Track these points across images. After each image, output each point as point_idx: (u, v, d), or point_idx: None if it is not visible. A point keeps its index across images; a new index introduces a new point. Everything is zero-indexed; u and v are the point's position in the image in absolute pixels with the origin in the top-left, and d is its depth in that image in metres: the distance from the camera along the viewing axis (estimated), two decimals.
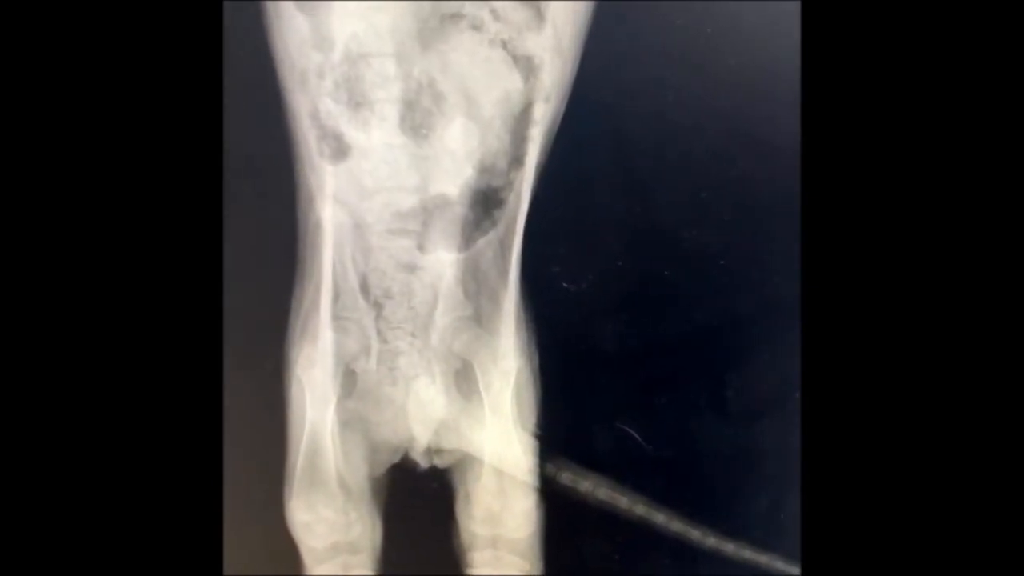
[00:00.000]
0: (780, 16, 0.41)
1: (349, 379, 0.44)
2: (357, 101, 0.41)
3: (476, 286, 0.44)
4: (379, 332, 0.44)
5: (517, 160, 0.42)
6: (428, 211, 0.43)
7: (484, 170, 0.43)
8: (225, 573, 0.42)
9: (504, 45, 0.41)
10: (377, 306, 0.44)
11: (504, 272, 0.43)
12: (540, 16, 0.41)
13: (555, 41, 0.41)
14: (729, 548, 0.45)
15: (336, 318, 0.43)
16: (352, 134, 0.42)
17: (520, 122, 0.42)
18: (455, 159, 0.42)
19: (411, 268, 0.43)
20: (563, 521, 0.45)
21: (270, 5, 0.41)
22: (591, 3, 0.41)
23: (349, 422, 0.45)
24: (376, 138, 0.42)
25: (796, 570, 0.44)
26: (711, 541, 0.45)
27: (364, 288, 0.44)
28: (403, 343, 0.44)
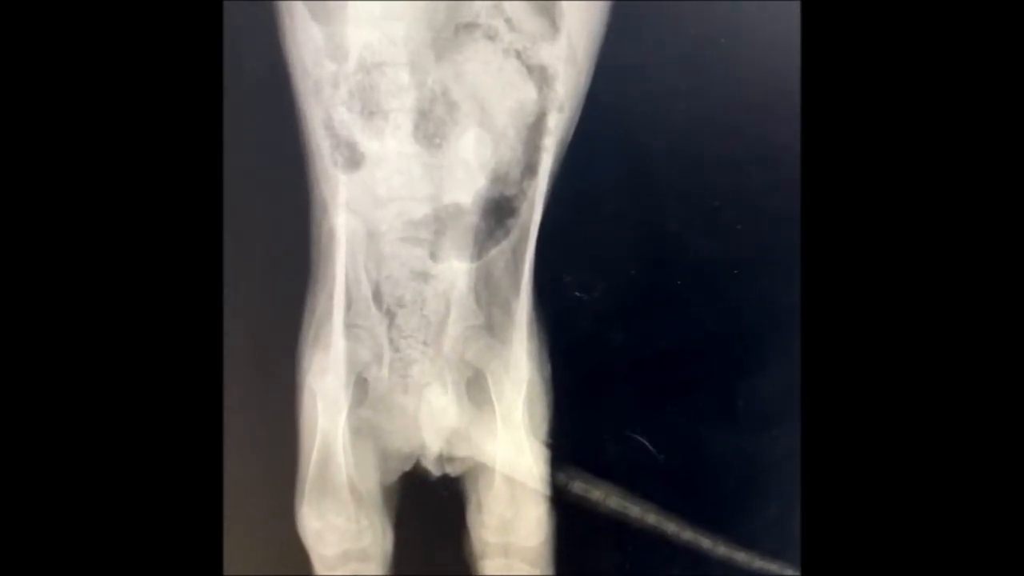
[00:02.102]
0: (793, 25, 0.41)
1: (361, 387, 0.44)
2: (371, 110, 0.41)
3: (488, 295, 0.44)
4: (391, 340, 0.44)
5: (530, 170, 0.42)
6: (441, 220, 0.43)
7: (497, 179, 0.43)
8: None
9: (518, 55, 0.41)
10: (389, 314, 0.44)
11: (516, 281, 0.43)
12: (555, 26, 0.41)
13: (569, 51, 0.41)
14: (740, 557, 0.45)
15: (348, 326, 0.43)
16: (366, 143, 0.42)
17: (534, 132, 0.42)
18: (468, 169, 0.42)
19: (424, 277, 0.43)
20: (574, 530, 0.45)
21: (285, 15, 0.41)
22: (605, 14, 0.41)
23: (361, 430, 0.44)
24: (390, 147, 0.42)
25: None
26: (722, 550, 0.45)
27: (376, 296, 0.44)
28: (415, 352, 0.44)
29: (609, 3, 0.41)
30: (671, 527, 0.44)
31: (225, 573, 0.40)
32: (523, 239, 0.43)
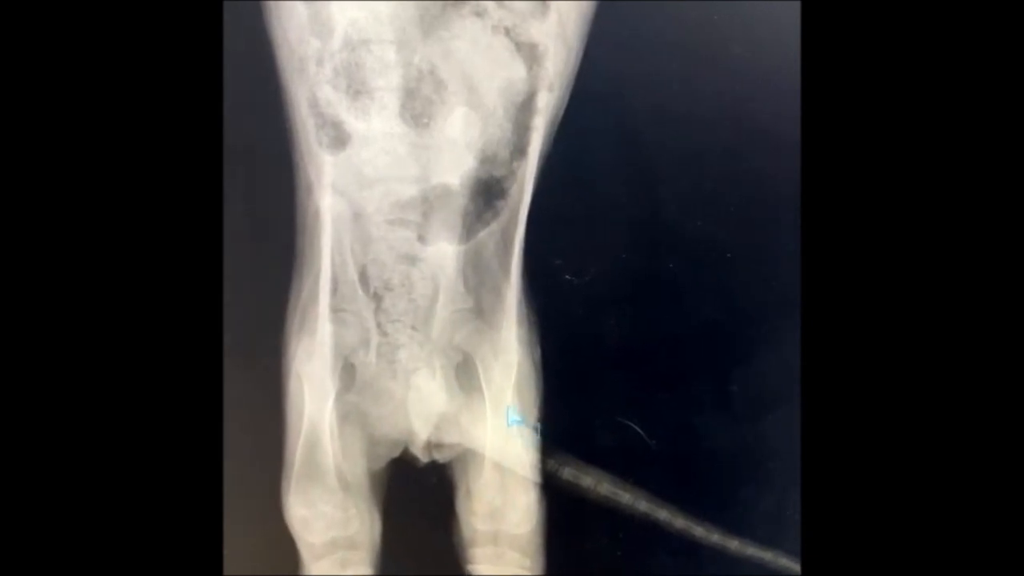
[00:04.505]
0: (785, 8, 0.41)
1: (348, 372, 0.44)
2: (357, 89, 0.41)
3: (477, 278, 0.43)
4: (379, 325, 0.43)
5: (520, 150, 0.42)
6: (429, 201, 0.42)
7: (486, 160, 0.42)
8: (224, 571, 0.41)
9: (507, 32, 0.41)
10: (377, 298, 0.43)
11: (506, 264, 0.43)
12: (544, 4, 0.40)
13: (559, 29, 0.41)
14: (733, 545, 0.44)
15: (335, 310, 0.43)
16: (351, 123, 0.41)
17: (523, 111, 0.41)
18: (456, 148, 0.42)
19: (411, 260, 0.43)
20: (565, 517, 0.44)
21: None
22: None
23: (348, 416, 0.44)
24: (376, 127, 0.41)
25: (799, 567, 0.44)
26: (714, 537, 0.44)
27: (363, 280, 0.43)
28: (403, 336, 0.43)
29: None
30: (663, 514, 0.44)
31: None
32: (513, 221, 0.42)
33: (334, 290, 0.43)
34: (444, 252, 0.43)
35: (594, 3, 0.41)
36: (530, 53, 0.41)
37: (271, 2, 0.40)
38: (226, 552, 0.42)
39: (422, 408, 0.44)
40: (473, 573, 0.45)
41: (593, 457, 0.44)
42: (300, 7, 0.40)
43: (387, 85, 0.41)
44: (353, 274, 0.43)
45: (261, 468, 0.44)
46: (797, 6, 0.37)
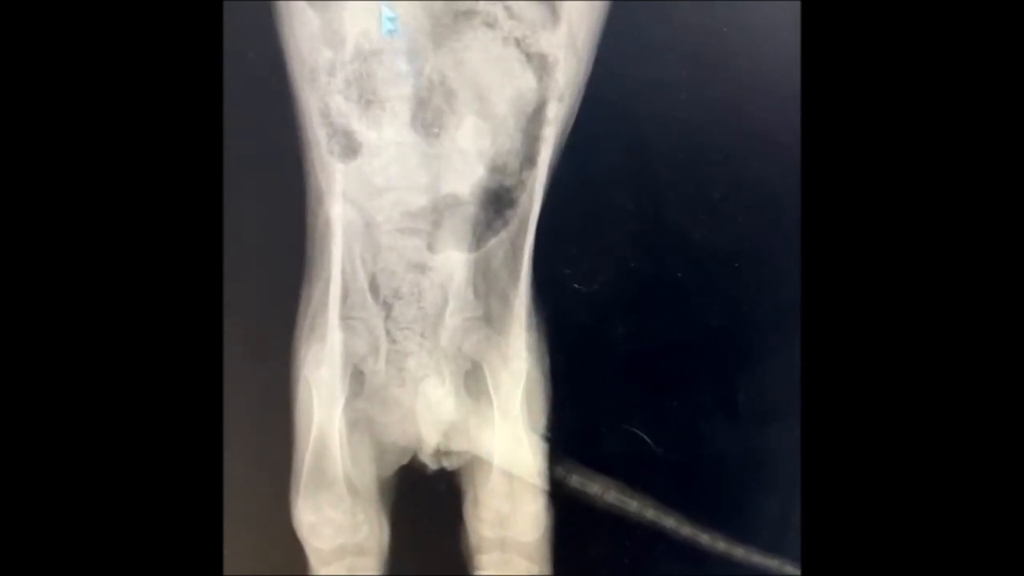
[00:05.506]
0: (794, 15, 0.41)
1: (357, 380, 0.44)
2: (368, 99, 0.41)
3: (487, 286, 0.43)
4: (388, 332, 0.43)
5: (529, 160, 0.42)
6: (439, 210, 0.42)
7: (496, 169, 0.42)
8: (227, 574, 0.41)
9: (518, 43, 0.41)
10: (386, 306, 0.43)
11: (515, 273, 0.43)
12: (555, 14, 0.41)
13: (570, 39, 0.41)
14: (739, 552, 0.44)
15: (344, 318, 0.43)
16: (363, 132, 0.41)
17: (533, 121, 0.42)
18: (467, 158, 0.42)
19: (421, 268, 0.43)
20: (572, 524, 0.44)
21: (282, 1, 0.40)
22: (606, 2, 0.41)
23: (357, 423, 0.44)
24: (387, 136, 0.41)
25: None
26: (721, 545, 0.44)
27: (373, 288, 0.43)
28: (412, 344, 0.44)
29: None
30: (670, 522, 0.44)
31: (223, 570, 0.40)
32: (522, 230, 0.42)
33: (344, 298, 0.43)
34: (454, 261, 0.43)
35: (605, 13, 0.41)
36: (540, 64, 0.41)
37: (281, 8, 0.40)
38: (233, 558, 0.42)
39: (431, 415, 0.44)
40: None
41: (600, 464, 0.44)
42: (312, 17, 0.40)
43: (398, 95, 0.41)
44: (363, 282, 0.43)
45: (270, 475, 0.44)
46: (797, 6, 0.37)
